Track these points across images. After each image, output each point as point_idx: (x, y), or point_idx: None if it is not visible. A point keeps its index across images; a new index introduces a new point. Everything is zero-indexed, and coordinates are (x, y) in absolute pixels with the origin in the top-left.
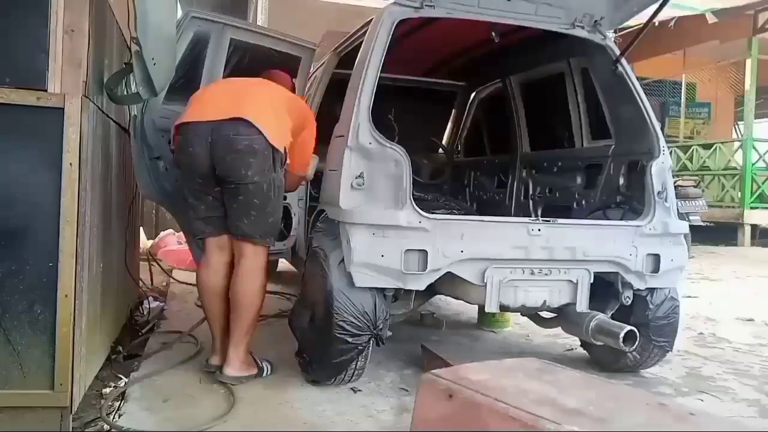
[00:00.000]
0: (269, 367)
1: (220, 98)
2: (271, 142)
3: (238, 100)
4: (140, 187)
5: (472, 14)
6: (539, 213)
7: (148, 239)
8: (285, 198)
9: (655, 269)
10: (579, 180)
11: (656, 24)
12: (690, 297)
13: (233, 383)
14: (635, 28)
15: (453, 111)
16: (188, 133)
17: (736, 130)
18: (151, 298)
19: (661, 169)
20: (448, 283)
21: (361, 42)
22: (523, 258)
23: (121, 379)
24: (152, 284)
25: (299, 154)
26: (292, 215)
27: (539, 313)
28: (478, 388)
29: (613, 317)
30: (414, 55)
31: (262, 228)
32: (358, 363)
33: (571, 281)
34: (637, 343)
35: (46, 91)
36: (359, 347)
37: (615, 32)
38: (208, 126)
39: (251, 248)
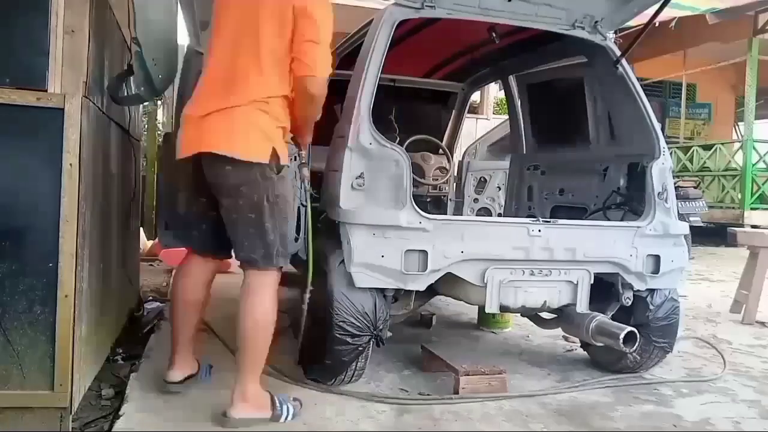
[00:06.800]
0: (291, 409)
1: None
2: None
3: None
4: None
5: (472, 15)
6: (539, 214)
7: (148, 239)
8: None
9: (656, 270)
10: (579, 180)
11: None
12: (690, 298)
13: (241, 427)
14: (636, 28)
15: (453, 111)
16: None
17: (736, 131)
18: (150, 299)
19: (661, 169)
20: (448, 284)
21: (362, 42)
22: (523, 259)
23: (121, 379)
24: (152, 285)
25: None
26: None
27: (539, 313)
28: None
29: (613, 318)
30: (414, 56)
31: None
32: (358, 363)
33: (571, 282)
34: (637, 344)
35: (46, 91)
36: (359, 348)
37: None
38: None
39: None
